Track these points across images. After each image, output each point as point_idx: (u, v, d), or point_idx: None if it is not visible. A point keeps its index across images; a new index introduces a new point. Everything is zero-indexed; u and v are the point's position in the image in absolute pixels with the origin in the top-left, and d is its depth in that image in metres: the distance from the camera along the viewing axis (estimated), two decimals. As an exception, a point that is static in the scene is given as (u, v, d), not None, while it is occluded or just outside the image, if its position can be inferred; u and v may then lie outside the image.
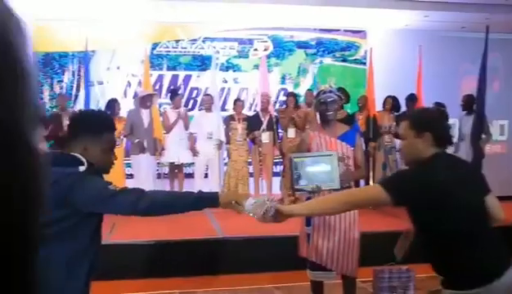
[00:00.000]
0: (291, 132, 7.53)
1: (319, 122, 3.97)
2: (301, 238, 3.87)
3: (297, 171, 3.56)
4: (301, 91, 9.60)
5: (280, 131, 7.92)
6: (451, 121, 7.81)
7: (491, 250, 2.36)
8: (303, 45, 9.66)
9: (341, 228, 3.66)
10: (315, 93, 6.15)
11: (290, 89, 9.57)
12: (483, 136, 7.04)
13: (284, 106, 8.42)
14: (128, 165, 7.98)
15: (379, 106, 8.04)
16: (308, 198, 3.75)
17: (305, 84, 9.63)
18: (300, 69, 9.62)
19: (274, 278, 5.16)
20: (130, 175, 7.87)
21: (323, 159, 3.56)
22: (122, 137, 7.47)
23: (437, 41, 9.20)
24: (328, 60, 9.66)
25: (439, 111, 3.54)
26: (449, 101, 7.90)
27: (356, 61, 9.77)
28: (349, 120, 6.84)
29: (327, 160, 3.54)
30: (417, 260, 5.21)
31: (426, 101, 8.02)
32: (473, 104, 7.27)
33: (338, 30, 9.68)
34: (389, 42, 9.33)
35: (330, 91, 3.83)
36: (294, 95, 8.38)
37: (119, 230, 5.94)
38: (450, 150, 7.29)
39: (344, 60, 9.76)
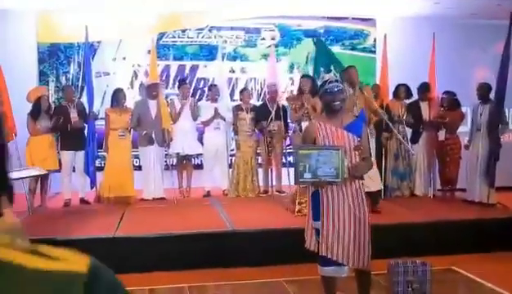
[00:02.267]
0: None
1: (324, 112, 3.88)
2: (308, 232, 3.78)
3: (302, 163, 3.48)
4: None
5: (289, 121, 7.76)
6: (463, 109, 7.71)
7: None
8: (311, 33, 9.51)
9: (352, 220, 3.57)
10: (319, 82, 6.08)
11: (298, 78, 9.42)
12: (500, 126, 6.88)
13: (296, 93, 7.69)
14: (136, 157, 7.91)
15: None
16: (314, 193, 3.67)
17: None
18: (308, 58, 9.47)
19: (284, 272, 5.09)
20: (138, 167, 7.80)
21: (329, 153, 3.49)
22: (129, 129, 7.39)
23: (448, 28, 9.03)
24: (337, 49, 9.51)
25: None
26: (460, 90, 7.77)
27: (365, 50, 9.64)
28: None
29: (334, 154, 3.47)
30: (428, 253, 5.17)
31: (439, 90, 7.88)
32: (489, 93, 7.08)
33: (346, 18, 9.54)
34: (399, 30, 9.17)
35: (336, 81, 3.71)
36: (313, 79, 7.41)
37: (126, 224, 5.89)
38: (464, 140, 7.19)
39: (353, 49, 9.63)
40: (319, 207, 3.61)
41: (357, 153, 3.58)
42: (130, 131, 7.47)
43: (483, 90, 7.07)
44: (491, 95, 7.03)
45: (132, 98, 8.34)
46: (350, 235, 3.54)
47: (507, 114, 9.75)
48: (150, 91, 7.46)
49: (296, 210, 5.95)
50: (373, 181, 5.92)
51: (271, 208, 6.72)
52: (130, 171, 7.36)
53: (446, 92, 7.41)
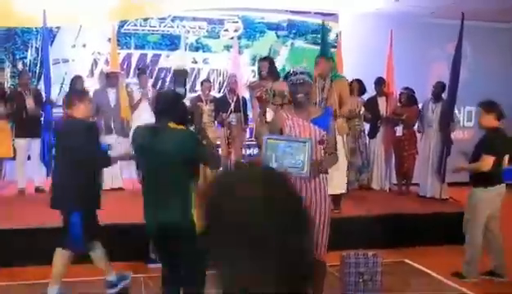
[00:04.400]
0: (270, 115, 6.49)
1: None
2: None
3: (270, 152, 3.49)
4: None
5: (249, 113, 7.75)
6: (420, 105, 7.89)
7: None
8: (274, 27, 9.56)
9: (312, 213, 3.61)
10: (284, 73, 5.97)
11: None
12: (451, 124, 7.09)
13: (256, 79, 7.40)
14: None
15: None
16: None
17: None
18: (271, 51, 9.51)
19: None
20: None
21: (297, 145, 3.49)
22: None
23: (408, 26, 9.22)
24: (299, 43, 9.58)
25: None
26: (418, 87, 7.93)
27: (327, 44, 9.70)
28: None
29: (301, 146, 3.47)
30: (383, 246, 5.30)
31: (398, 86, 8.05)
32: (443, 92, 7.31)
33: (309, 12, 9.59)
34: (360, 26, 9.29)
35: (302, 73, 3.71)
36: (271, 61, 6.94)
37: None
38: (418, 136, 7.35)
39: (315, 43, 9.68)
40: None
41: (321, 147, 3.61)
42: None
43: (438, 88, 7.29)
44: (444, 94, 7.25)
45: (91, 87, 8.19)
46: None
47: (461, 113, 10.13)
48: (110, 79, 7.36)
49: None
50: (338, 183, 5.77)
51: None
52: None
53: (405, 88, 7.56)
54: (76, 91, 5.60)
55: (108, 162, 4.34)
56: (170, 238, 3.38)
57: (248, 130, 8.05)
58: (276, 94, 5.16)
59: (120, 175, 7.47)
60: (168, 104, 3.46)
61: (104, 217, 4.51)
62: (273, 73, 6.63)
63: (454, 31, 7.62)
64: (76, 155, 4.02)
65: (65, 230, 4.19)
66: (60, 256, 4.24)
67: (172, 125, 3.37)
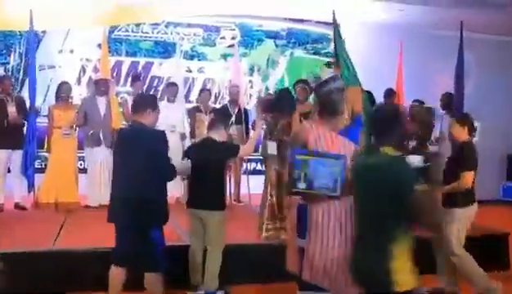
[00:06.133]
0: (271, 149, 5.21)
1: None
2: (290, 251, 3.29)
3: (298, 170, 2.99)
4: (269, 84, 9.12)
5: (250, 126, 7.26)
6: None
7: None
8: (272, 35, 9.22)
9: (342, 240, 3.09)
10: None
11: (258, 82, 9.07)
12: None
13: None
14: (82, 158, 7.22)
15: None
16: (301, 206, 3.20)
17: (274, 77, 9.13)
18: (269, 60, 9.11)
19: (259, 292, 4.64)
20: (83, 170, 7.09)
21: (330, 162, 2.98)
22: (74, 127, 6.72)
23: (411, 37, 8.86)
24: (299, 52, 9.19)
25: None
26: (423, 98, 7.53)
27: (327, 55, 9.28)
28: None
29: (334, 163, 2.96)
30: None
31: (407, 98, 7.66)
32: (451, 103, 6.94)
33: (309, 21, 9.25)
34: (364, 36, 8.89)
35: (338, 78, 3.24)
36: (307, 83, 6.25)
37: (66, 235, 5.23)
38: (434, 148, 6.93)
39: (316, 53, 9.30)
40: (306, 222, 3.11)
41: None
42: (76, 130, 6.79)
43: (446, 100, 6.97)
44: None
45: (79, 95, 7.67)
46: (338, 259, 3.05)
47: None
48: (99, 87, 6.84)
49: (263, 236, 5.15)
50: None
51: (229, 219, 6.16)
52: (74, 173, 6.73)
53: (416, 101, 7.13)
54: (150, 96, 5.15)
55: (175, 174, 3.89)
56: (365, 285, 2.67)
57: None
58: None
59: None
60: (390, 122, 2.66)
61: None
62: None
63: (457, 43, 7.34)
64: (151, 164, 3.58)
65: (146, 251, 3.64)
66: (154, 281, 3.71)
67: (387, 150, 2.61)
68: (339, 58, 5.38)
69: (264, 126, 5.32)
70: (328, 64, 5.64)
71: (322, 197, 2.98)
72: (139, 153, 3.61)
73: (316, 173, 2.96)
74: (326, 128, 3.18)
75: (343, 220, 3.09)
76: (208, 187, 4.29)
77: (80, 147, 6.94)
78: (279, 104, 4.92)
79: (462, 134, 4.48)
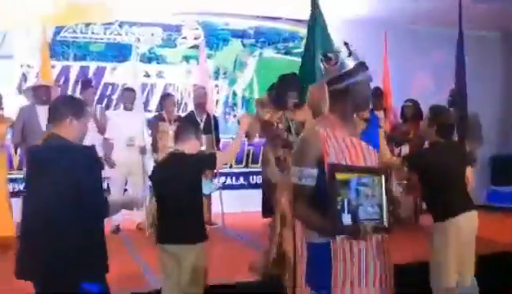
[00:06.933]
0: (272, 176, 4.31)
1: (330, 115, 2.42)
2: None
3: (340, 196, 2.05)
4: (237, 88, 8.28)
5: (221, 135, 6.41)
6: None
7: None
8: (239, 34, 8.45)
9: (376, 288, 2.20)
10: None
11: (224, 85, 8.25)
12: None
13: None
14: (14, 180, 6.24)
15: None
16: (317, 245, 2.27)
17: (243, 80, 8.31)
18: (237, 61, 8.33)
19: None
20: (16, 194, 6.03)
21: (371, 180, 2.09)
22: (7, 144, 5.67)
23: (389, 32, 8.22)
24: (269, 52, 8.42)
25: None
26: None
27: (300, 54, 8.52)
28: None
29: (375, 182, 2.08)
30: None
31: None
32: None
33: (280, 18, 8.51)
34: (338, 33, 8.15)
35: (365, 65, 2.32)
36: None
37: None
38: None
39: (287, 53, 8.54)
40: (324, 268, 2.18)
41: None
42: (3, 146, 5.73)
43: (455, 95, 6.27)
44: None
45: (18, 106, 6.60)
46: None
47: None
48: (40, 94, 5.78)
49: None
50: None
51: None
52: (5, 200, 5.56)
53: (409, 100, 6.39)
54: (73, 99, 3.41)
55: (108, 210, 2.69)
56: None
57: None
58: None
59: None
60: None
61: None
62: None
63: (440, 38, 6.74)
64: (72, 196, 2.49)
65: None
66: None
67: None
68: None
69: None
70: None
71: (369, 232, 2.07)
72: (54, 180, 2.45)
73: (360, 198, 2.06)
74: (346, 132, 2.29)
75: (377, 261, 2.22)
76: (181, 215, 3.32)
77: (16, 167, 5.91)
78: (284, 87, 4.02)
79: (430, 134, 3.69)
